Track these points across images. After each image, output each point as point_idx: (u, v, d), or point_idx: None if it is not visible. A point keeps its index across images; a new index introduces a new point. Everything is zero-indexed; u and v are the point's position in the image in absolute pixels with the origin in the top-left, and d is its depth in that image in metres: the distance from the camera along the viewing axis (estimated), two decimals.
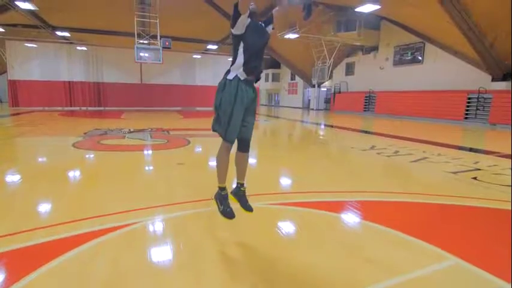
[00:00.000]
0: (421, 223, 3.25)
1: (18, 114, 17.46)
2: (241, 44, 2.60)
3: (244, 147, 2.81)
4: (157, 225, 3.02)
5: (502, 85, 14.71)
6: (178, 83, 27.21)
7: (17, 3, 14.82)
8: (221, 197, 2.75)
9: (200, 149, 7.69)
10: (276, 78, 36.69)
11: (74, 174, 5.05)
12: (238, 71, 2.60)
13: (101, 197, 3.85)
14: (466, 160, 6.49)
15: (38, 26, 19.83)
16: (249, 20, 2.57)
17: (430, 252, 2.59)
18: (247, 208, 2.83)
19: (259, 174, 5.23)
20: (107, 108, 24.52)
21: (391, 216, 3.41)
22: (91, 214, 3.20)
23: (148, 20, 17.38)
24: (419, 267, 2.36)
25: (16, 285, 2.02)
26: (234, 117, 2.58)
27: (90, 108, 24.07)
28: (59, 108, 23.16)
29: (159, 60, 18.01)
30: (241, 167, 2.86)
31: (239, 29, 2.55)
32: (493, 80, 15.05)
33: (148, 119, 15.62)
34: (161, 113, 21.42)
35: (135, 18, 16.45)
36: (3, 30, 19.97)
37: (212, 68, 27.85)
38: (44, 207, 3.54)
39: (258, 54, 2.66)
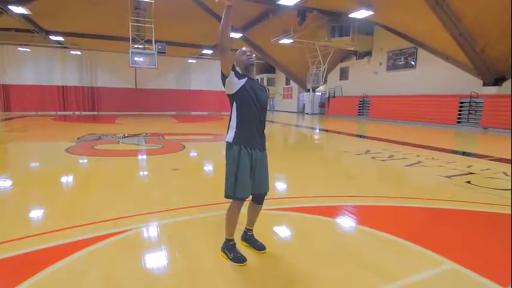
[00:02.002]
0: (416, 228, 3.25)
1: (10, 119, 17.24)
2: (234, 105, 2.44)
3: (259, 200, 2.66)
4: (151, 232, 2.98)
5: (493, 90, 14.87)
6: (173, 88, 27.09)
7: (10, 7, 14.67)
8: (229, 247, 2.56)
9: (195, 154, 7.62)
10: (271, 83, 36.66)
11: (67, 180, 4.98)
12: (234, 131, 2.44)
13: (94, 204, 3.79)
14: (460, 164, 6.53)
15: (31, 30, 19.66)
16: (245, 79, 2.42)
17: (426, 257, 2.58)
18: (260, 248, 2.69)
19: None
20: (101, 113, 24.30)
21: (387, 221, 3.41)
22: (84, 221, 3.15)
23: (143, 25, 17.30)
24: (415, 272, 2.35)
25: None
26: (240, 175, 2.37)
27: (84, 113, 23.84)
28: (53, 113, 22.90)
29: (154, 65, 17.89)
30: (253, 216, 2.74)
31: (229, 89, 2.41)
32: (484, 84, 15.20)
33: (143, 124, 15.56)
34: (156, 117, 21.33)
35: (130, 23, 16.37)
36: None
37: (207, 73, 27.77)
38: (35, 214, 3.47)
39: (253, 121, 2.45)
